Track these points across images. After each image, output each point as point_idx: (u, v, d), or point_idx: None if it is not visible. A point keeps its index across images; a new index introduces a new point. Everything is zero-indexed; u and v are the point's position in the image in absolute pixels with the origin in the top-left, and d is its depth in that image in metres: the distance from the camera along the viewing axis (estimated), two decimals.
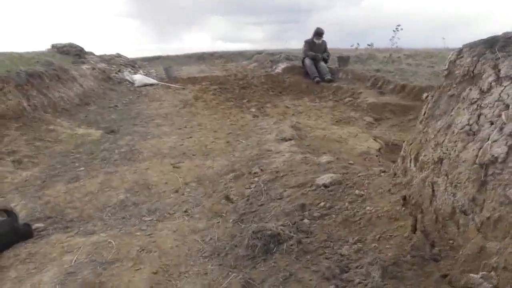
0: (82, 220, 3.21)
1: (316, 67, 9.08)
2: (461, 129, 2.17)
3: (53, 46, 10.04)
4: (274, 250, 2.40)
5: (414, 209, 2.30)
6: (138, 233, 2.88)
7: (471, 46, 2.50)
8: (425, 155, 2.37)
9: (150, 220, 3.09)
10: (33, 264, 2.65)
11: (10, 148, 4.68)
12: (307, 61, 9.15)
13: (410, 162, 2.57)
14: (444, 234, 1.98)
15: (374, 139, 4.84)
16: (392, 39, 9.90)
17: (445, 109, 2.51)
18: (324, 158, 3.71)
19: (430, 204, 2.16)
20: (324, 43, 9.58)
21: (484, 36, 2.38)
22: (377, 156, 4.21)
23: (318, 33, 9.52)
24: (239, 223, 2.85)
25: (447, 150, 2.21)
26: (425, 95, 5.48)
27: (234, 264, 2.40)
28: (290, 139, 4.56)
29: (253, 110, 6.59)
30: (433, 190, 2.18)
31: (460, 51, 2.54)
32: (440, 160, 2.21)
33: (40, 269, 2.58)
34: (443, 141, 2.28)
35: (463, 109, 2.28)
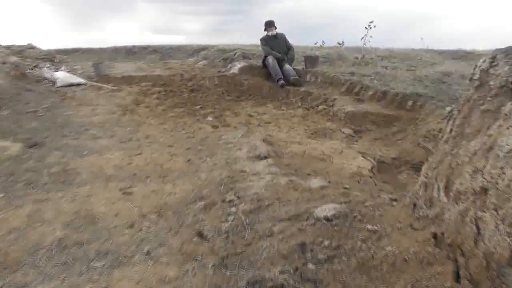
0: (7, 268, 2.82)
1: (280, 68, 8.98)
2: (508, 152, 2.07)
3: None
4: None
5: (452, 250, 2.18)
6: (89, 286, 2.54)
7: (508, 52, 2.44)
8: (461, 184, 2.26)
9: (101, 266, 2.76)
10: None
11: None
12: (270, 60, 9.10)
13: (439, 191, 2.46)
14: (502, 285, 1.85)
15: (363, 157, 4.76)
16: (364, 37, 10.03)
17: (479, 127, 2.42)
18: (314, 182, 3.59)
19: (475, 246, 2.04)
20: (282, 36, 9.73)
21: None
22: (371, 177, 4.12)
23: (268, 23, 9.66)
24: (222, 269, 2.61)
25: (492, 178, 2.10)
26: (447, 109, 5.55)
27: None
28: (266, 157, 4.44)
29: (211, 119, 6.44)
30: (477, 228, 2.07)
31: (493, 59, 2.47)
32: (484, 190, 2.10)
33: None
34: (485, 166, 2.18)
35: (507, 128, 2.18)
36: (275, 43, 9.57)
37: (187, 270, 2.69)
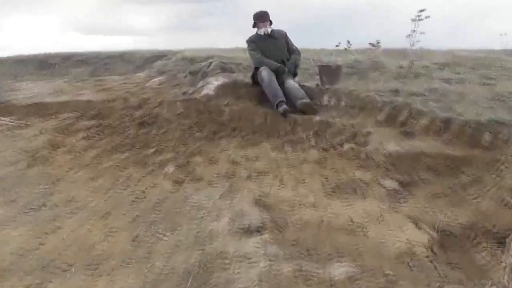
0: None
1: (279, 85, 9.15)
2: None
3: None
4: None
5: None
6: None
7: None
8: None
9: None
10: None
11: None
12: (265, 75, 9.17)
13: None
14: None
15: (416, 225, 4.78)
16: (411, 35, 10.03)
17: None
18: (338, 270, 3.63)
19: None
20: (281, 34, 9.88)
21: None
22: (429, 258, 4.14)
23: (258, 16, 9.75)
24: None
25: None
26: None
27: None
28: (259, 230, 4.44)
29: (171, 169, 6.42)
30: None
31: None
32: None
33: None
34: None
35: None
36: (270, 46, 9.71)
37: None
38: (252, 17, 9.84)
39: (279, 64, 9.42)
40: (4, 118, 8.38)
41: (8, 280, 3.88)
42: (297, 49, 9.97)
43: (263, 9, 9.85)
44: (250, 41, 9.73)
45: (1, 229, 4.77)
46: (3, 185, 5.93)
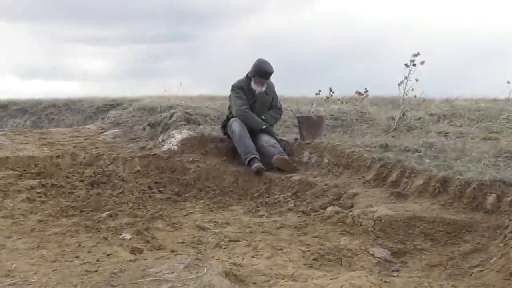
0: None
1: (253, 140, 8.61)
2: None
3: None
4: None
5: None
6: None
7: None
8: None
9: None
10: None
11: None
12: (236, 127, 8.71)
13: None
14: None
15: None
16: (404, 82, 9.61)
17: None
18: None
19: None
20: (271, 88, 9.31)
21: None
22: None
23: (264, 73, 9.01)
24: None
25: None
26: None
27: None
28: None
29: (128, 236, 5.95)
30: None
31: None
32: None
33: None
34: None
35: None
36: (259, 99, 9.17)
37: None
38: (257, 63, 8.98)
39: (265, 125, 8.84)
40: None
41: None
42: (280, 105, 9.52)
43: (271, 67, 9.01)
44: (238, 87, 9.06)
45: None
46: None
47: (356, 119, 9.66)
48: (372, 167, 7.42)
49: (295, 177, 7.86)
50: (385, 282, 4.70)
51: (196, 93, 12.29)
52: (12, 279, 4.71)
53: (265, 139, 8.61)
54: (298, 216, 6.70)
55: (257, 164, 8.16)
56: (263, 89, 9.03)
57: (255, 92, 8.98)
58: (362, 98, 11.00)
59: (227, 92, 9.74)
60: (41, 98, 14.49)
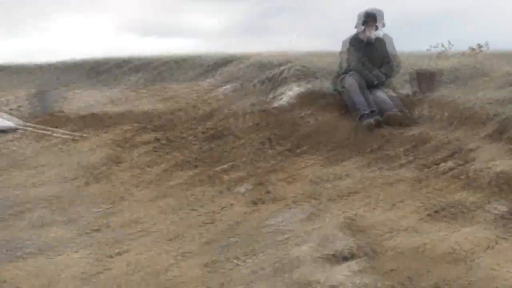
0: None
1: (365, 95, 8.43)
2: None
3: None
4: None
5: None
6: None
7: None
8: None
9: None
10: None
11: None
12: (350, 82, 8.57)
13: None
14: None
15: None
16: None
17: None
18: None
19: None
20: (384, 42, 9.03)
21: None
22: None
23: (368, 14, 8.84)
24: None
25: None
26: None
27: None
28: (350, 257, 4.12)
29: (245, 189, 6.07)
30: None
31: None
32: None
33: None
34: None
35: None
36: (368, 54, 8.90)
37: None
38: (359, 14, 8.89)
39: (377, 79, 8.71)
40: (57, 130, 8.15)
41: None
42: (396, 63, 9.26)
43: (375, 9, 8.96)
44: (349, 43, 9.15)
45: (61, 251, 4.60)
46: (60, 203, 5.77)
47: (473, 74, 9.37)
48: (489, 123, 7.25)
49: (410, 131, 7.74)
50: (503, 238, 4.59)
51: (308, 49, 12.15)
52: (140, 225, 5.00)
53: (379, 94, 8.53)
54: (414, 171, 6.62)
55: (368, 120, 8.07)
56: (372, 37, 8.75)
57: (366, 41, 8.71)
58: (478, 52, 10.50)
59: (339, 48, 9.48)
60: (157, 55, 14.85)
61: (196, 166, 6.75)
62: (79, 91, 11.99)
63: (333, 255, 4.19)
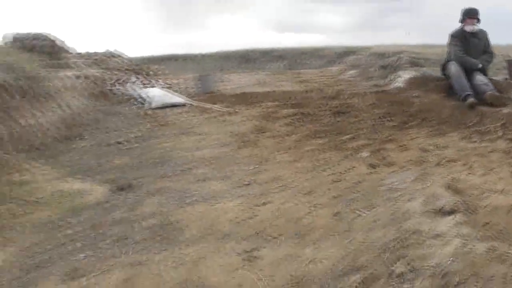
0: None
1: (466, 79, 9.00)
2: None
3: (14, 38, 10.39)
4: None
5: None
6: None
7: None
8: None
9: None
10: None
11: None
12: (453, 68, 8.97)
13: None
14: None
15: None
16: None
17: None
18: None
19: None
20: (483, 35, 9.39)
21: None
22: None
23: (469, 12, 9.46)
24: None
25: None
26: None
27: None
28: (452, 212, 4.38)
29: (366, 154, 6.52)
30: None
31: None
32: None
33: None
34: None
35: None
36: (470, 44, 9.47)
37: None
38: (461, 11, 9.67)
39: (479, 64, 9.27)
40: (215, 106, 8.78)
41: (228, 243, 4.21)
42: (492, 51, 9.74)
43: (474, 6, 9.59)
44: (453, 35, 9.59)
45: (218, 201, 5.11)
46: (219, 163, 6.33)
47: None
48: None
49: (504, 110, 8.09)
50: None
51: (417, 43, 12.54)
52: (281, 182, 5.49)
53: (479, 78, 8.93)
54: (507, 143, 6.87)
55: (470, 100, 8.51)
56: (474, 28, 9.39)
57: (467, 32, 9.40)
58: None
59: (445, 40, 10.21)
60: (294, 46, 15.56)
61: (325, 136, 7.20)
62: (232, 75, 12.63)
63: (437, 210, 4.46)
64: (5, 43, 10.29)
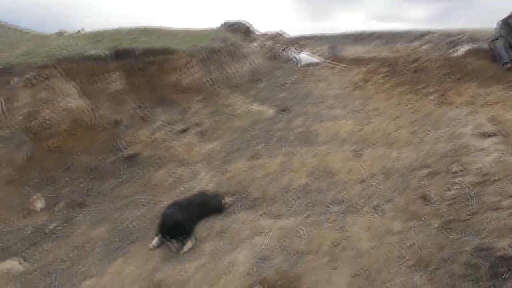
0: (266, 201, 3.18)
1: (507, 51, 7.72)
2: None
3: (225, 23, 10.52)
4: (504, 276, 1.95)
5: None
6: (327, 225, 2.68)
7: None
8: None
9: (337, 211, 2.86)
10: (225, 241, 2.67)
11: (194, 120, 4.96)
12: (499, 43, 7.84)
13: None
14: None
15: None
16: None
17: None
18: None
19: None
20: None
21: None
22: None
23: None
24: (445, 232, 2.43)
25: None
26: None
27: (450, 283, 2.01)
28: (492, 135, 3.87)
29: (433, 97, 5.86)
30: None
31: None
32: None
33: (233, 248, 2.59)
34: None
35: None
36: None
37: (411, 227, 2.60)
38: None
39: None
40: (339, 65, 8.48)
41: (345, 144, 4.06)
42: None
43: None
44: (503, 22, 8.03)
45: (340, 120, 4.83)
46: (340, 98, 6.02)
47: None
48: None
49: None
50: None
51: (475, 27, 11.02)
52: (378, 111, 5.07)
53: None
54: None
55: (509, 65, 7.45)
56: None
57: None
58: None
59: (495, 25, 8.66)
60: (388, 30, 14.42)
61: (407, 85, 6.56)
62: (349, 47, 12.23)
63: (482, 133, 3.96)
64: (221, 26, 10.45)
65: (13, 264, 2.78)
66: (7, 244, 3.06)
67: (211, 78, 6.28)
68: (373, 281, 2.13)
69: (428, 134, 4.16)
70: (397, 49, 11.19)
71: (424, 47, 10.93)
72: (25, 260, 2.89)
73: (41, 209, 3.37)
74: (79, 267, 2.73)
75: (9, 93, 3.84)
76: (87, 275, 2.62)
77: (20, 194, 3.47)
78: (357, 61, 8.88)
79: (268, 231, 2.65)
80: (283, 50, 10.42)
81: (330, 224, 2.67)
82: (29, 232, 3.19)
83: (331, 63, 8.86)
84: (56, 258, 2.88)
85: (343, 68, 8.31)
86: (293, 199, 3.15)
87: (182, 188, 3.59)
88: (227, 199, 3.17)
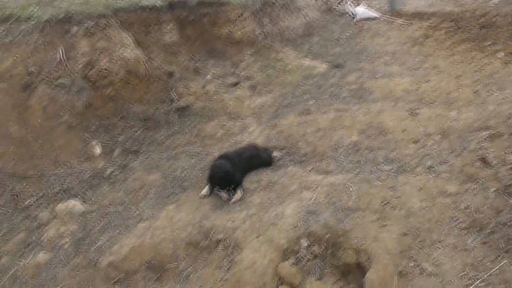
0: (316, 156, 3.15)
1: None
2: None
3: None
4: None
5: None
6: (377, 183, 2.63)
7: None
8: None
9: (388, 170, 2.80)
10: (274, 194, 2.70)
11: (246, 73, 4.93)
12: None
13: None
14: None
15: None
16: None
17: None
18: None
19: None
20: None
21: None
22: None
23: None
24: (504, 196, 2.32)
25: None
26: None
27: (505, 247, 1.94)
28: None
29: (501, 55, 5.41)
30: None
31: None
32: None
33: (281, 201, 2.61)
34: None
35: None
36: None
37: (467, 189, 2.50)
38: None
39: None
40: (398, 19, 7.98)
41: (400, 103, 3.88)
42: None
43: None
44: None
45: (395, 77, 4.65)
46: (397, 55, 5.72)
47: None
48: None
49: None
50: None
51: None
52: (438, 69, 4.86)
53: None
54: None
55: None
56: None
57: None
58: None
59: None
60: None
61: (472, 42, 6.14)
62: (410, 0, 11.56)
63: None
64: None
65: (75, 204, 2.97)
66: (69, 186, 3.25)
67: (263, 31, 6.13)
68: (422, 240, 2.09)
69: (492, 94, 3.92)
70: (463, 3, 10.31)
71: (494, 0, 10.05)
72: (84, 202, 3.07)
73: (99, 155, 3.53)
74: (134, 210, 2.87)
75: (69, 41, 3.94)
76: (141, 218, 2.75)
77: (80, 139, 3.63)
78: (418, 16, 8.27)
79: (317, 186, 2.64)
80: (339, 3, 9.95)
81: (380, 183, 2.61)
82: (88, 175, 3.36)
83: (389, 18, 8.35)
84: (112, 201, 3.04)
85: (402, 23, 7.81)
86: (343, 156, 3.10)
87: (232, 141, 3.63)
88: (276, 153, 3.18)
